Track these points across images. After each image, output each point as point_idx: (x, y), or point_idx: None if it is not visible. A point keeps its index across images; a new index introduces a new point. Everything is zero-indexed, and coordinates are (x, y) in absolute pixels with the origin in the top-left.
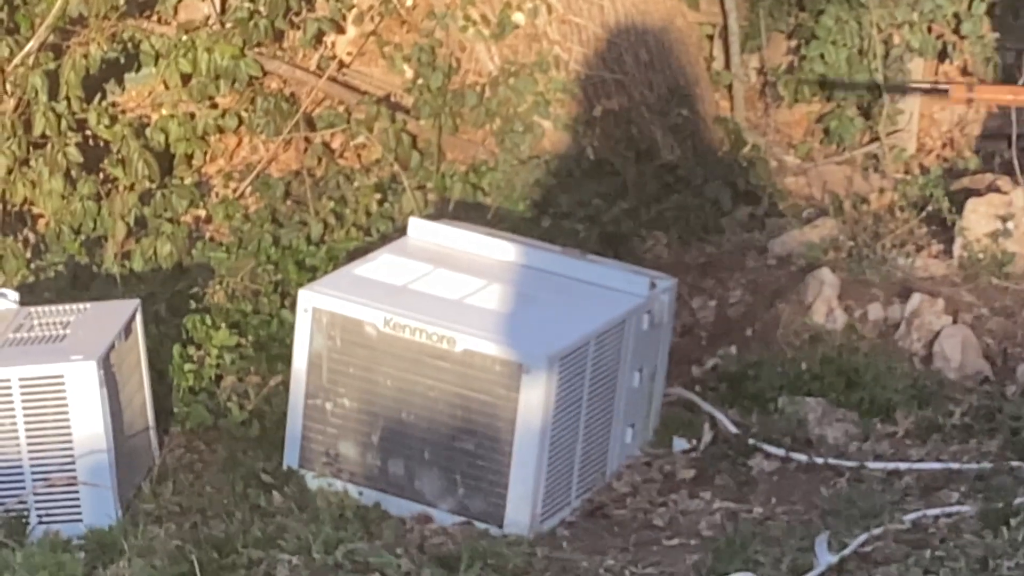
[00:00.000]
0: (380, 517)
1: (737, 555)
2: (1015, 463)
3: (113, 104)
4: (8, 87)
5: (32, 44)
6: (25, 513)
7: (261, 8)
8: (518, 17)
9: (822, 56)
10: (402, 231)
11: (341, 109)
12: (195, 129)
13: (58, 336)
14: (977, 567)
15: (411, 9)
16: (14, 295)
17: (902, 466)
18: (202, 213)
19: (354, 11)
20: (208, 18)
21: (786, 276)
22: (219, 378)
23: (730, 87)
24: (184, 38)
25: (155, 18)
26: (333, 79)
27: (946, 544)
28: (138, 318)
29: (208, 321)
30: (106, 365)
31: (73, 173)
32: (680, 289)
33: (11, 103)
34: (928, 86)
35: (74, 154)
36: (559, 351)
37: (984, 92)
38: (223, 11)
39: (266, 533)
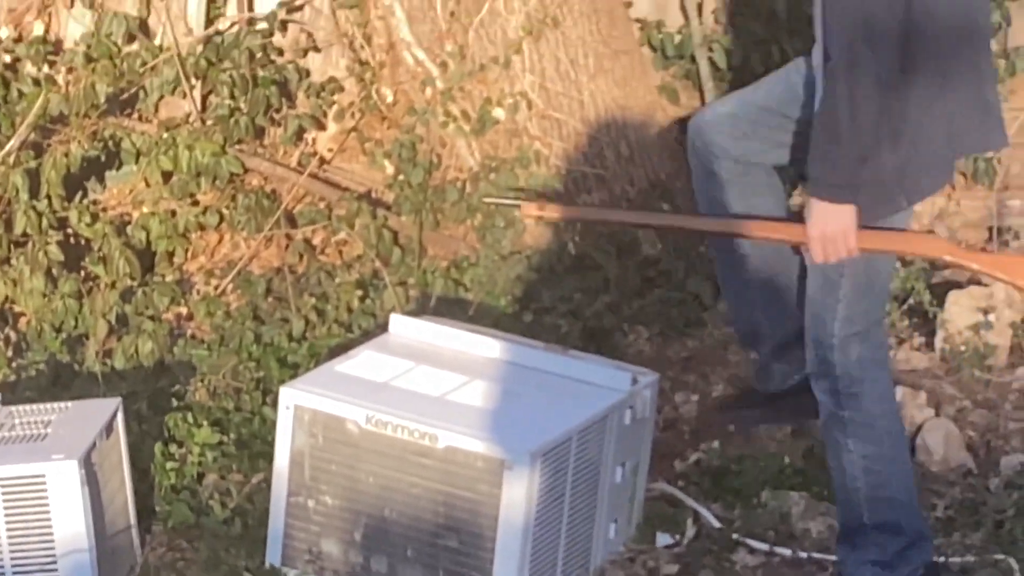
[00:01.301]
0: None
1: None
2: (999, 556)
3: (94, 202)
4: None
5: (13, 143)
6: None
7: (242, 105)
8: (498, 113)
9: None
10: (384, 327)
11: (322, 205)
12: (176, 226)
13: (39, 435)
14: None
15: (391, 105)
16: None
17: None
18: (183, 310)
19: (335, 108)
20: (189, 115)
21: None
22: (201, 476)
23: None
24: (165, 136)
25: (136, 116)
26: (314, 176)
27: None
28: (119, 417)
29: (190, 419)
30: (88, 464)
31: (54, 271)
32: (662, 383)
33: None
34: (499, 200)
35: (55, 252)
36: (541, 447)
37: (554, 210)
38: (204, 108)
39: None
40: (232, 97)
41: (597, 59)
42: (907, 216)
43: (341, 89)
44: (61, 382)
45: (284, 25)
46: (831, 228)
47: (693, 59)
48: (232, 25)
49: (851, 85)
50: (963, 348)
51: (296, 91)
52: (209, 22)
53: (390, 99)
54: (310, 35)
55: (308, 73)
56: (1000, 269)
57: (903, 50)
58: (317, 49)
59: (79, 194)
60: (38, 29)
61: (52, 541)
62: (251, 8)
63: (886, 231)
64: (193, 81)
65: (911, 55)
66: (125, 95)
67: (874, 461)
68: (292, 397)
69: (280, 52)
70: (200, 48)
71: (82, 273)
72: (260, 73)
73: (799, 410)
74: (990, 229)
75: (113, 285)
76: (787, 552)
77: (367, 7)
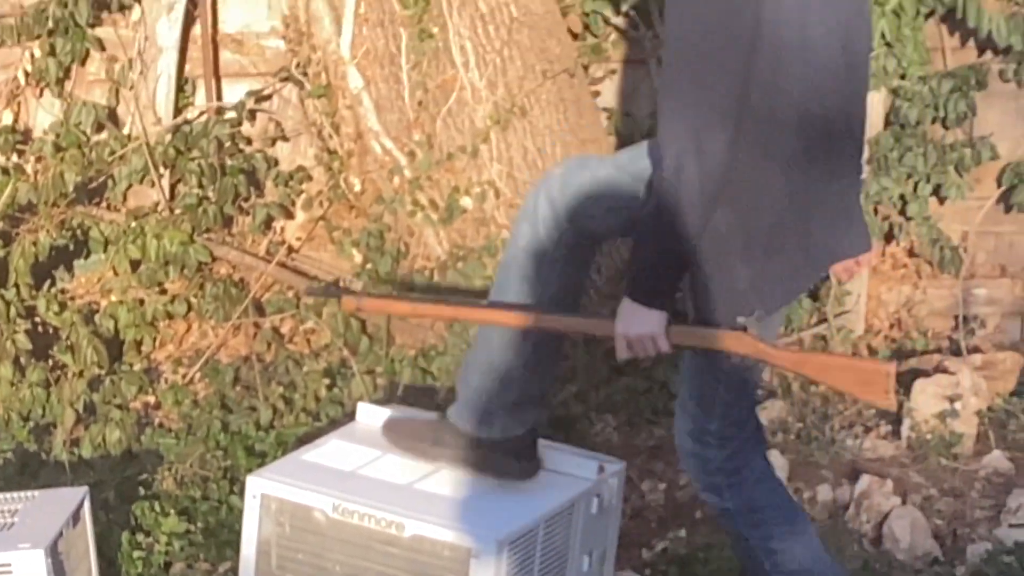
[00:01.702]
0: None
1: None
2: None
3: (62, 291)
4: None
5: None
6: None
7: (210, 194)
8: (466, 202)
9: None
10: (351, 416)
11: (290, 294)
12: (144, 315)
13: (6, 524)
14: None
15: (359, 194)
16: None
17: None
18: (151, 399)
19: (303, 196)
20: (157, 204)
21: None
22: (168, 565)
23: None
24: (133, 224)
25: (104, 205)
26: (282, 264)
27: None
28: (86, 505)
29: (157, 508)
30: (54, 553)
31: (22, 360)
32: (629, 472)
33: None
34: (320, 293)
35: (23, 341)
36: (508, 535)
37: (371, 304)
38: (172, 197)
39: None
40: (200, 186)
41: (564, 148)
42: (769, 322)
43: (309, 178)
44: (28, 471)
45: (252, 114)
46: (635, 330)
47: None
48: (201, 114)
49: (675, 196)
50: (929, 436)
51: (264, 180)
52: (178, 111)
53: (358, 188)
54: (278, 124)
55: (276, 162)
56: (804, 368)
57: (757, 162)
58: (285, 138)
59: (47, 283)
60: (7, 118)
61: None
62: (219, 97)
63: (696, 329)
64: (161, 170)
65: (761, 168)
66: (94, 184)
67: (771, 541)
68: (259, 486)
69: (248, 141)
70: (169, 137)
71: (50, 362)
72: (228, 162)
73: (493, 465)
74: (956, 318)
75: (81, 374)
76: None
77: (335, 97)
